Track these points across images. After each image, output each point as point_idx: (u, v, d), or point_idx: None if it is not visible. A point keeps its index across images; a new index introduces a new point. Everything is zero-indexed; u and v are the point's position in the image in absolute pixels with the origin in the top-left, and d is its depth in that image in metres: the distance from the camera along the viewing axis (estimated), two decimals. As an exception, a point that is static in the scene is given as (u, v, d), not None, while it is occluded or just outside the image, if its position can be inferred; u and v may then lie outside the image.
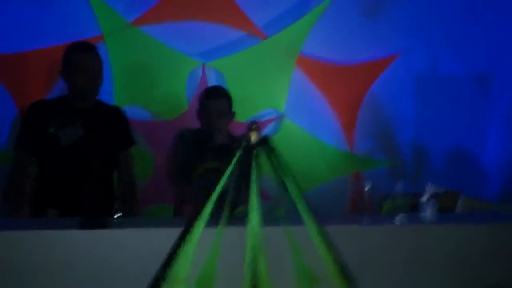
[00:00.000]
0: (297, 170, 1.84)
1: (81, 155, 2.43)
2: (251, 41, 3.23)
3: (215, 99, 2.63)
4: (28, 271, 1.66)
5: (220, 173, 2.66)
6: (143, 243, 1.74)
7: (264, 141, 1.68)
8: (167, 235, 1.68)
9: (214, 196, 1.66)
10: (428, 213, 2.01)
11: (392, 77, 3.43)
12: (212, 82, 3.17)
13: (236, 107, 2.82)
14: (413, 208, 2.15)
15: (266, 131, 3.30)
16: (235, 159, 1.64)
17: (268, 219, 1.77)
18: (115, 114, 2.62)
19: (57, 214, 2.14)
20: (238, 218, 1.81)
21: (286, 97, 3.31)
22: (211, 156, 2.66)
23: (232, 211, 2.01)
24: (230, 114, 2.72)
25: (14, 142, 2.51)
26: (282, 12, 3.27)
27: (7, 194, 2.42)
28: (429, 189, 2.09)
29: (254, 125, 1.67)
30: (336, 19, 3.31)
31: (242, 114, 3.20)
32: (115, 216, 2.07)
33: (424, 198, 2.04)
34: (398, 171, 3.47)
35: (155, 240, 1.75)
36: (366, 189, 1.98)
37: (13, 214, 2.33)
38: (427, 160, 3.47)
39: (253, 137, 1.65)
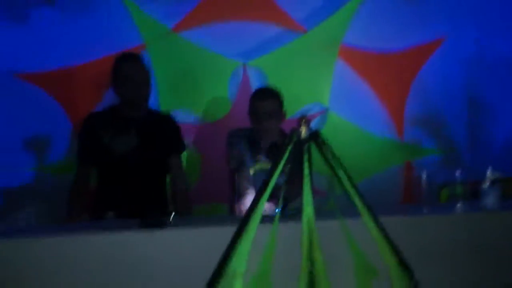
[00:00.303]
0: (346, 162, 1.83)
1: (135, 162, 2.49)
2: (290, 36, 3.21)
3: (264, 100, 2.63)
4: (93, 271, 1.70)
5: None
6: (200, 241, 1.76)
7: (315, 135, 1.66)
8: (223, 233, 1.69)
9: (267, 193, 1.66)
10: (489, 200, 1.94)
11: (439, 62, 3.34)
12: (254, 81, 3.18)
13: None
14: (473, 196, 2.09)
15: (312, 126, 3.27)
16: (286, 155, 1.64)
17: (321, 213, 1.76)
18: (166, 121, 2.69)
19: (114, 217, 2.20)
20: (292, 213, 1.82)
21: (329, 90, 3.28)
22: (263, 155, 2.67)
23: (285, 206, 2.01)
24: (281, 113, 2.71)
25: (75, 155, 2.62)
26: (320, 3, 3.24)
27: (70, 202, 2.51)
28: (490, 176, 2.02)
29: (304, 120, 1.66)
30: (377, 6, 3.25)
31: (288, 110, 3.19)
32: (171, 217, 2.09)
33: (485, 185, 1.97)
34: (450, 159, 3.38)
35: (211, 237, 1.77)
36: (423, 178, 1.92)
37: (75, 220, 2.41)
38: (481, 146, 3.35)
39: (304, 132, 1.64)
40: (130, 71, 2.49)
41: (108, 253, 1.69)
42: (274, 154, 2.68)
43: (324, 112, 3.28)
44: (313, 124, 3.25)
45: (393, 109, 3.37)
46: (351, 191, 1.72)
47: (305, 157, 1.66)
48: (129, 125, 2.53)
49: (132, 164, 2.49)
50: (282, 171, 1.64)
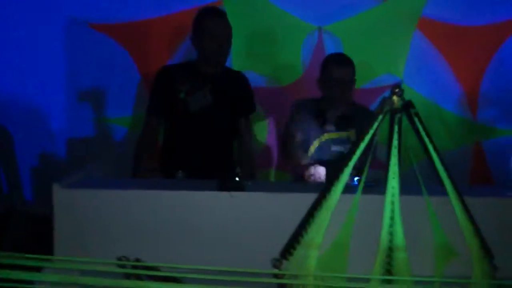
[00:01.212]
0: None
1: (208, 120, 2.47)
2: (369, 3, 3.09)
3: (340, 67, 2.55)
4: (167, 228, 1.72)
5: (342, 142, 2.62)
6: (278, 207, 1.74)
7: (409, 105, 1.60)
8: (303, 200, 1.67)
9: (352, 162, 1.62)
10: None
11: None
12: (328, 47, 3.09)
13: None
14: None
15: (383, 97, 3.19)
16: (376, 123, 1.58)
17: (406, 187, 1.71)
18: (241, 81, 2.64)
19: (184, 176, 2.20)
20: (371, 185, 1.76)
21: (405, 62, 3.16)
22: (332, 125, 2.61)
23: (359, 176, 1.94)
24: (354, 83, 2.63)
25: (145, 106, 2.60)
26: (403, -28, 3.10)
27: (137, 156, 2.52)
28: None
29: (397, 89, 1.60)
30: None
31: (360, 79, 3.09)
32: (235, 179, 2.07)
33: None
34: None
35: (290, 204, 1.74)
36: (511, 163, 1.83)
37: (142, 177, 2.43)
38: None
39: (397, 101, 1.58)
40: (214, 27, 2.43)
41: (184, 212, 1.70)
42: (344, 124, 2.62)
43: (398, 84, 3.16)
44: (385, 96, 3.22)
45: (469, 86, 3.23)
46: (439, 167, 1.66)
47: (395, 127, 1.61)
48: (206, 81, 2.50)
49: (205, 122, 2.46)
50: (371, 140, 1.59)
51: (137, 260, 1.61)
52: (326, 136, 2.62)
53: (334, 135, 2.62)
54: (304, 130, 2.63)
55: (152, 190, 1.71)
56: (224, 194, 1.68)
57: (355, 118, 2.61)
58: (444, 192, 1.69)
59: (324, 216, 1.64)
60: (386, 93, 3.03)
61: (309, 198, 1.67)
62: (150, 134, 2.55)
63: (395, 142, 1.60)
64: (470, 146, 3.28)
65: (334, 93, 2.57)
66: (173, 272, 1.57)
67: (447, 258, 1.68)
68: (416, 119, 1.60)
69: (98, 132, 3.23)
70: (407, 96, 3.17)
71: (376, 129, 1.61)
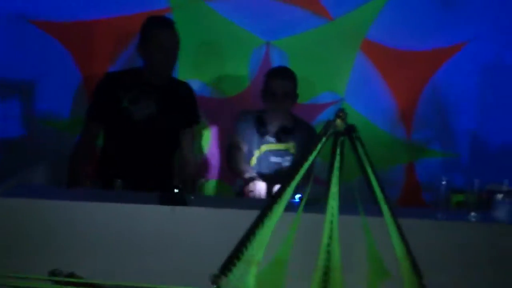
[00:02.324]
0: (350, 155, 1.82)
1: (151, 130, 2.44)
2: (317, 22, 3.16)
3: (282, 80, 2.62)
4: (106, 240, 1.68)
5: (281, 154, 2.66)
6: (218, 222, 1.74)
7: (351, 129, 1.65)
8: (244, 216, 1.68)
9: (296, 181, 1.65)
10: (503, 212, 1.96)
11: (457, 66, 3.33)
12: (275, 61, 3.13)
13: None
14: (482, 205, 2.11)
15: (324, 114, 3.27)
16: (320, 145, 1.62)
17: (342, 207, 1.76)
18: (186, 92, 2.62)
19: (122, 185, 2.16)
20: (311, 203, 1.80)
21: (347, 81, 3.25)
22: (272, 137, 2.67)
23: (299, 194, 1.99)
24: (295, 95, 2.70)
25: (86, 110, 2.53)
26: (350, -7, 3.19)
27: (74, 161, 2.45)
28: (504, 187, 2.03)
29: (341, 113, 1.64)
30: (406, 4, 3.21)
31: (302, 95, 3.15)
32: (175, 191, 2.05)
33: (499, 196, 1.98)
34: (453, 163, 3.41)
35: (230, 219, 1.75)
36: (442, 183, 1.93)
37: (78, 183, 2.36)
38: (487, 152, 3.37)
39: (340, 125, 1.63)
40: (163, 37, 2.41)
41: (124, 224, 1.67)
42: (284, 136, 2.68)
43: (338, 102, 3.26)
44: (326, 113, 3.30)
45: (405, 108, 3.37)
46: (376, 189, 1.72)
47: (338, 150, 1.65)
48: (151, 91, 2.47)
49: (147, 131, 2.43)
50: (313, 161, 1.63)
51: (71, 274, 1.56)
52: (265, 147, 2.67)
53: (273, 146, 2.68)
54: (247, 141, 2.67)
55: (92, 201, 1.67)
56: (166, 208, 1.66)
57: (295, 131, 2.69)
58: (379, 213, 1.75)
59: (265, 233, 1.66)
60: (328, 110, 3.24)
61: (251, 214, 1.69)
62: (89, 139, 2.49)
63: (336, 164, 1.64)
64: (403, 165, 3.42)
65: (274, 105, 2.63)
66: None
67: (381, 278, 1.74)
68: (357, 143, 1.66)
69: (31, 133, 3.10)
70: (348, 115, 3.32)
71: (319, 150, 1.64)
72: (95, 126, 2.49)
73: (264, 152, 2.69)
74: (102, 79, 2.52)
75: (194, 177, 2.64)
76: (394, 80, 3.31)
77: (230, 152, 2.72)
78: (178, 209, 1.66)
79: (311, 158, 1.62)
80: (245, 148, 2.67)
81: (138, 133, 2.44)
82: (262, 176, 2.58)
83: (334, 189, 1.66)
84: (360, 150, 1.66)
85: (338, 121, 1.64)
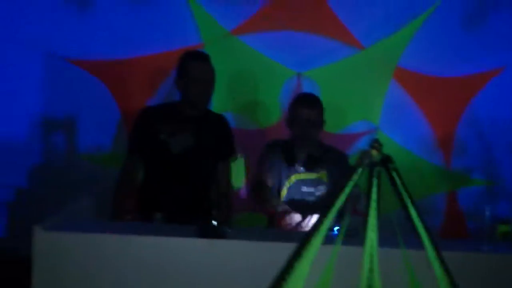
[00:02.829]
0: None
1: (189, 162, 2.46)
2: (347, 51, 3.18)
3: (310, 108, 2.56)
4: (145, 274, 1.69)
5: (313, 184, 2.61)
6: (255, 256, 1.72)
7: (387, 160, 1.63)
8: (282, 249, 1.66)
9: (334, 212, 1.63)
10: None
11: (495, 92, 3.26)
12: (307, 91, 3.14)
13: (330, 118, 2.75)
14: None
15: (359, 144, 3.24)
16: (356, 176, 1.60)
17: (383, 240, 1.72)
18: (222, 124, 2.66)
19: (162, 218, 2.18)
20: (349, 235, 1.77)
21: (381, 110, 3.23)
22: (301, 166, 2.60)
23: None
24: (322, 123, 2.64)
25: (126, 145, 2.59)
26: (381, 22, 3.19)
27: (117, 195, 2.49)
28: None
29: (376, 143, 1.62)
30: (437, 30, 3.19)
31: (336, 125, 3.16)
32: (213, 224, 2.05)
33: (546, 226, 1.90)
34: (495, 191, 3.31)
35: (268, 253, 1.73)
36: (486, 214, 1.87)
37: (121, 216, 2.39)
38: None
39: (376, 155, 1.60)
40: (199, 71, 2.46)
41: (165, 259, 1.68)
42: (313, 164, 2.61)
43: (373, 131, 3.23)
44: (361, 143, 3.27)
45: (443, 135, 3.31)
46: (417, 223, 1.68)
47: (374, 181, 1.63)
48: (188, 123, 2.50)
49: (185, 164, 2.45)
50: (351, 192, 1.61)
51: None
52: (296, 177, 2.60)
53: (304, 175, 2.60)
54: (274, 172, 2.60)
55: (133, 235, 1.69)
56: (204, 241, 1.66)
57: (325, 159, 2.60)
58: (421, 246, 1.70)
59: (304, 266, 1.63)
60: (362, 140, 3.22)
61: (288, 247, 1.67)
62: (130, 174, 2.53)
63: (373, 196, 1.61)
64: (444, 194, 3.34)
65: (300, 132, 2.56)
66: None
67: (424, 312, 1.68)
68: (394, 174, 1.62)
69: (74, 168, 3.17)
70: (383, 143, 3.29)
71: (356, 181, 1.62)
72: (135, 159, 2.53)
73: (294, 182, 2.61)
74: (140, 113, 2.57)
75: (230, 210, 2.64)
76: (429, 108, 3.28)
77: (254, 185, 2.67)
78: (216, 242, 1.66)
79: (347, 189, 1.59)
80: (272, 181, 2.60)
81: (176, 166, 2.47)
82: (295, 207, 2.53)
83: (372, 221, 1.62)
84: (397, 181, 1.63)
85: (374, 152, 1.61)
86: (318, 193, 2.61)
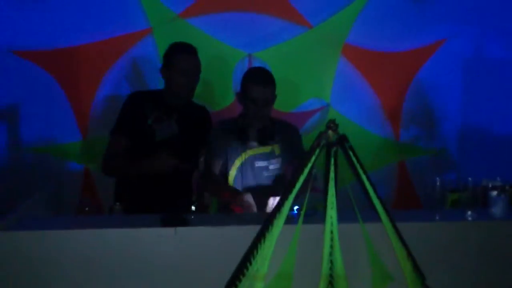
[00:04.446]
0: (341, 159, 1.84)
1: (173, 149, 2.47)
2: (296, 31, 3.20)
3: (263, 86, 2.50)
4: (108, 266, 1.69)
5: (267, 157, 2.62)
6: (218, 240, 1.75)
7: (343, 140, 1.68)
8: (245, 232, 1.70)
9: (293, 193, 1.67)
10: (498, 209, 1.99)
11: (438, 63, 3.38)
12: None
13: (281, 97, 2.72)
14: (477, 202, 2.13)
15: (311, 121, 3.30)
16: (314, 157, 1.65)
17: (342, 215, 1.78)
18: (202, 114, 2.73)
19: (120, 209, 2.15)
20: (310, 213, 1.82)
21: (331, 87, 3.29)
22: (254, 141, 2.57)
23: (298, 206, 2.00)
24: (274, 98, 2.59)
25: (112, 128, 2.56)
26: (328, 0, 3.23)
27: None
28: (498, 183, 2.07)
29: (332, 124, 1.67)
30: (382, 6, 3.26)
31: (288, 104, 3.20)
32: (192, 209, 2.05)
33: (493, 193, 2.01)
34: (442, 160, 3.46)
35: (232, 236, 1.76)
36: (437, 183, 1.96)
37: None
38: (476, 147, 3.42)
39: (332, 136, 1.65)
40: (185, 64, 2.52)
41: (130, 250, 1.68)
42: (265, 138, 2.57)
43: (324, 108, 3.29)
44: (313, 120, 3.33)
45: (391, 108, 3.41)
46: (373, 196, 1.75)
47: (332, 160, 1.68)
48: (172, 112, 2.57)
49: (169, 151, 2.45)
50: (309, 173, 1.65)
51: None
52: (249, 153, 2.58)
53: (257, 150, 2.58)
54: (225, 152, 2.57)
55: (96, 228, 1.68)
56: (168, 230, 1.68)
57: (276, 132, 2.59)
58: (377, 218, 1.78)
59: (268, 247, 1.68)
60: (315, 117, 3.27)
61: (251, 230, 1.71)
62: (115, 153, 2.50)
63: (331, 174, 1.67)
64: (395, 165, 3.47)
65: (254, 110, 2.51)
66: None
67: (385, 282, 1.77)
68: (350, 152, 1.68)
69: (17, 161, 3.08)
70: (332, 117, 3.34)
71: (314, 162, 1.67)
72: (121, 141, 2.52)
73: (248, 157, 2.56)
74: (127, 98, 2.60)
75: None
76: (378, 82, 3.35)
77: (206, 170, 2.61)
78: (181, 229, 1.67)
79: (306, 171, 1.64)
80: (222, 160, 2.57)
81: (159, 152, 2.46)
82: (248, 180, 2.53)
83: (331, 199, 1.69)
84: (353, 159, 1.69)
85: (330, 132, 1.66)
86: (271, 167, 2.60)
